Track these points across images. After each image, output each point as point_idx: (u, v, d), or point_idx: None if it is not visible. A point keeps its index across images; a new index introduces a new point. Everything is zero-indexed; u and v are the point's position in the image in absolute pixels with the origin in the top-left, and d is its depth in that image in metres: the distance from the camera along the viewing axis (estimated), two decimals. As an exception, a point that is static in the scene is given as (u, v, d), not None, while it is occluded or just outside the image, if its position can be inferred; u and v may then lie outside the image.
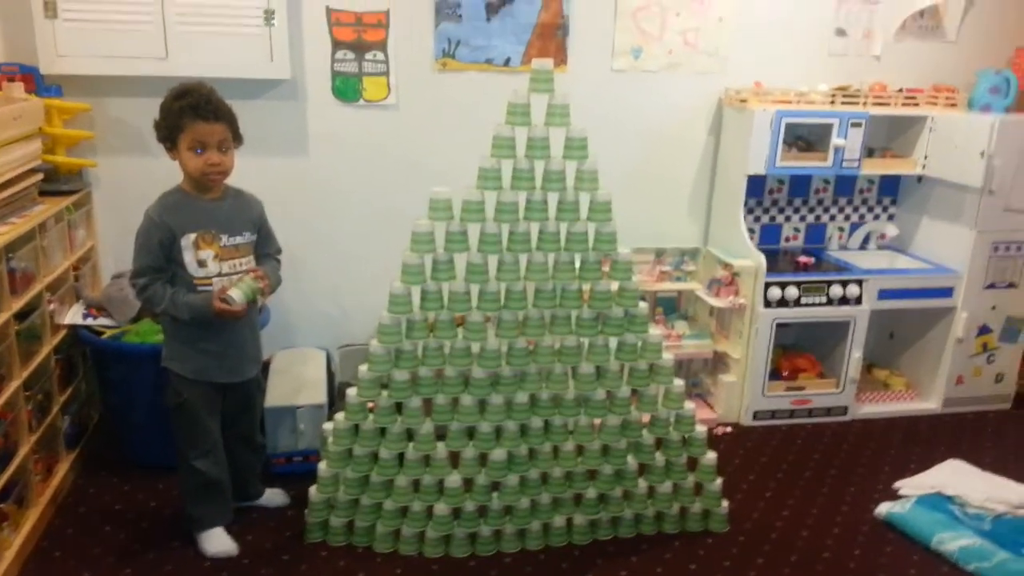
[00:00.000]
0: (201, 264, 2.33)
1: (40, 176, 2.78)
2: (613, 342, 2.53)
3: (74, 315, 2.85)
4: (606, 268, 2.50)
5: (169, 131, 2.27)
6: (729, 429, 3.41)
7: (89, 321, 2.84)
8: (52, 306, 2.71)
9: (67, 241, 2.88)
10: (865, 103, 3.44)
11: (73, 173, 3.05)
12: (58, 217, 2.79)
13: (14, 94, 2.68)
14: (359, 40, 3.20)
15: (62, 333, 2.79)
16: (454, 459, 2.52)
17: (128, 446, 2.93)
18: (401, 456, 2.49)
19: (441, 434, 2.50)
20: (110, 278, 3.11)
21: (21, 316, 2.46)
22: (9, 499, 2.34)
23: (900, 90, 3.55)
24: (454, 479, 2.50)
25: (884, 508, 2.80)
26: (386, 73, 3.26)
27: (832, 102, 3.42)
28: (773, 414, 3.47)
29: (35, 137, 2.74)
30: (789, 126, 3.31)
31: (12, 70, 2.85)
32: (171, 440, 2.46)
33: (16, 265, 2.43)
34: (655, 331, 2.57)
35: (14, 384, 2.37)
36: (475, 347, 2.46)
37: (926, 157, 3.53)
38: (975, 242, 3.42)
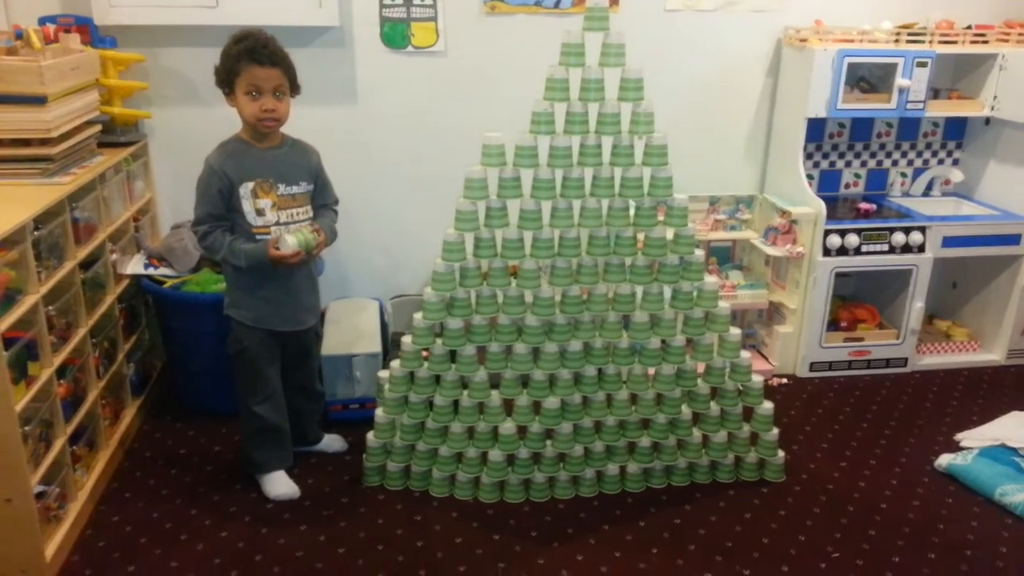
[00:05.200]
0: (259, 213, 2.35)
1: (98, 127, 2.81)
2: (668, 290, 2.50)
3: (136, 265, 2.91)
4: (661, 216, 2.46)
5: (227, 75, 2.28)
6: (785, 380, 3.36)
7: (150, 271, 2.89)
8: (114, 256, 2.77)
9: (126, 192, 2.93)
10: (931, 41, 3.29)
11: (129, 124, 3.08)
12: (117, 168, 2.83)
13: (70, 45, 2.70)
14: (408, -16, 3.16)
15: (125, 283, 2.85)
16: (508, 407, 2.53)
17: (190, 393, 3.01)
18: (456, 403, 2.51)
19: (495, 382, 2.51)
20: (169, 228, 3.16)
21: (85, 266, 2.51)
22: (80, 442, 2.43)
23: (968, 27, 3.39)
24: (508, 426, 2.52)
25: (945, 460, 2.75)
26: (434, 18, 3.21)
27: (896, 41, 3.28)
28: (830, 365, 3.41)
29: (92, 88, 2.77)
30: (851, 66, 3.19)
31: (68, 21, 2.87)
32: (232, 387, 2.52)
33: (79, 215, 2.48)
34: (710, 279, 2.53)
35: (81, 331, 2.43)
36: (528, 295, 2.45)
37: (995, 98, 3.38)
38: (1046, 187, 3.29)
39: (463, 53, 3.28)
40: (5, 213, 2.07)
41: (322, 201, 2.51)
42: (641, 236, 2.46)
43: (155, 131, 3.19)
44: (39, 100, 2.41)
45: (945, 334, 3.64)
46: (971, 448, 2.79)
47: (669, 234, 2.47)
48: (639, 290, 2.49)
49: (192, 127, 3.05)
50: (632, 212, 2.44)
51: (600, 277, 2.46)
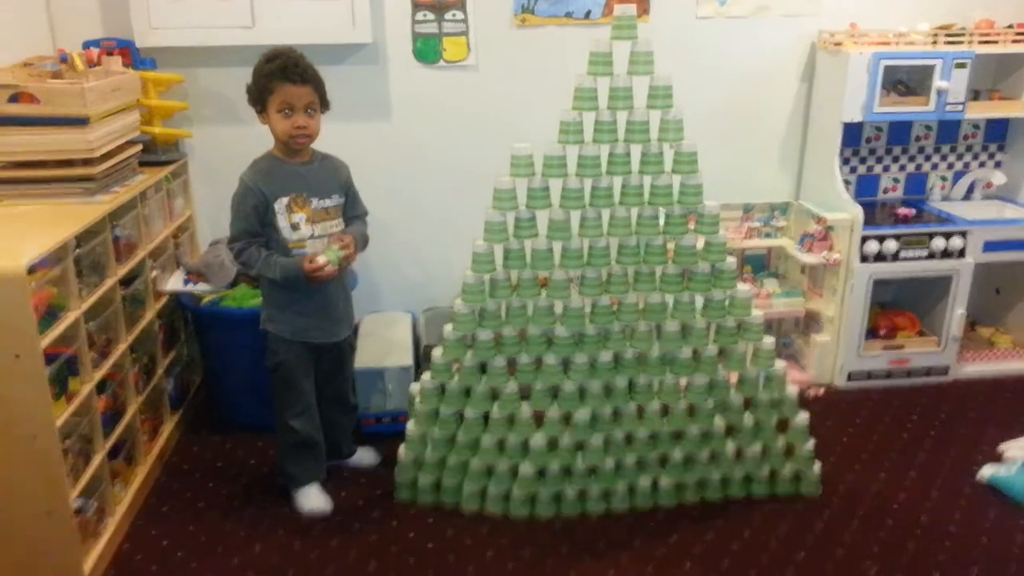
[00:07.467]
0: (294, 228, 2.39)
1: (139, 147, 2.88)
2: (699, 299, 2.48)
3: (175, 282, 2.96)
4: (691, 225, 2.44)
5: (259, 93, 2.32)
6: (822, 391, 3.30)
7: (189, 287, 2.95)
8: (154, 273, 2.83)
9: (166, 210, 2.99)
10: (970, 42, 3.21)
11: (170, 144, 3.15)
12: (157, 187, 2.90)
13: (112, 67, 2.77)
14: (438, 0, 3.18)
15: (164, 299, 2.90)
16: (538, 419, 2.52)
17: (227, 407, 3.05)
18: (486, 416, 2.51)
19: (525, 394, 2.51)
20: (207, 245, 3.22)
21: (125, 283, 2.57)
22: (119, 457, 2.48)
23: (1009, 26, 3.31)
24: (538, 439, 2.51)
25: (987, 471, 2.68)
26: (465, 32, 3.23)
27: (934, 42, 3.21)
28: (869, 375, 3.34)
29: (133, 109, 2.83)
30: (888, 69, 3.13)
31: (110, 45, 2.95)
32: (267, 401, 2.55)
33: (120, 233, 2.54)
34: (743, 287, 2.50)
35: (121, 347, 2.48)
36: (558, 306, 2.44)
37: (1039, 98, 3.30)
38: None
39: (494, 66, 3.30)
40: (48, 232, 2.13)
41: (352, 213, 2.54)
42: (671, 245, 2.45)
43: (195, 150, 3.26)
44: (82, 121, 2.47)
45: (988, 341, 3.54)
46: (1015, 459, 2.71)
47: (700, 242, 2.45)
48: (670, 299, 2.48)
49: (230, 145, 3.09)
50: (662, 221, 2.43)
51: (630, 287, 2.45)
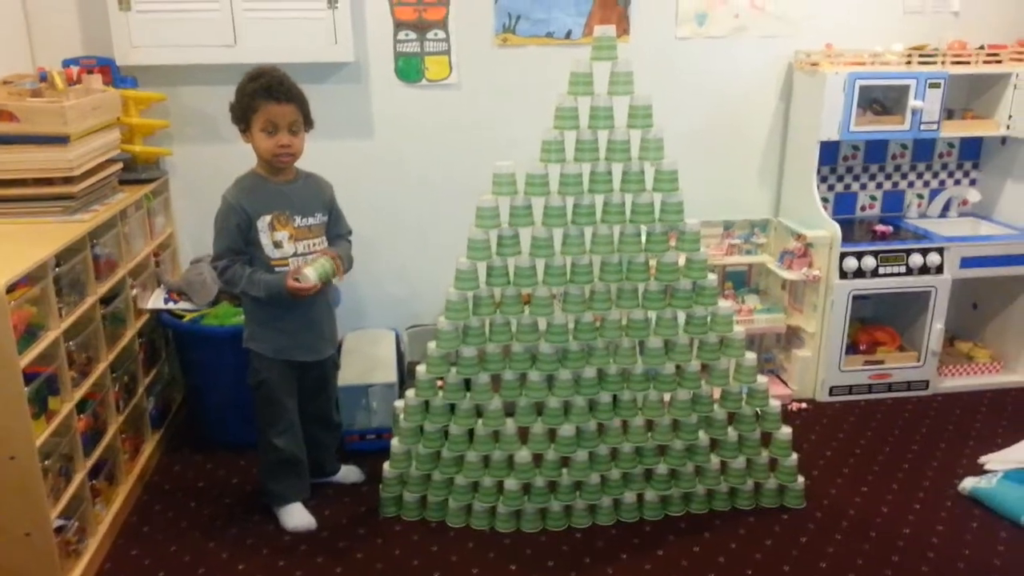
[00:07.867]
0: (277, 245, 2.39)
1: (120, 165, 2.87)
2: (682, 315, 2.50)
3: (156, 300, 2.95)
4: (673, 242, 2.46)
5: (243, 112, 2.32)
6: (804, 405, 3.33)
7: (170, 305, 2.93)
8: (135, 291, 2.81)
9: (147, 228, 2.98)
10: (944, 62, 3.28)
11: (151, 162, 3.15)
12: (138, 205, 2.89)
13: (92, 86, 2.76)
14: (420, 19, 3.21)
15: (145, 317, 2.89)
16: (523, 435, 2.52)
17: (209, 425, 3.02)
18: (471, 432, 2.51)
19: (510, 410, 2.51)
20: (189, 263, 3.20)
21: (106, 301, 2.55)
22: (100, 476, 2.45)
23: (981, 47, 3.38)
24: (523, 455, 2.51)
25: (969, 483, 2.70)
26: (447, 51, 3.26)
27: (908, 62, 3.27)
28: (850, 389, 3.37)
29: (113, 127, 2.83)
30: (863, 89, 3.19)
31: (90, 63, 2.95)
32: (250, 419, 2.54)
33: (100, 251, 2.53)
34: (725, 303, 2.53)
35: (101, 366, 2.46)
36: (542, 322, 2.45)
37: (1010, 117, 3.35)
38: (1065, 205, 3.26)
39: (477, 85, 3.32)
40: (28, 251, 2.12)
41: (336, 232, 2.54)
42: (654, 262, 2.47)
43: (177, 168, 3.25)
44: (62, 140, 2.46)
45: (967, 356, 3.59)
46: (996, 471, 2.74)
47: (682, 259, 2.47)
48: (653, 316, 2.49)
49: (212, 163, 3.10)
50: (644, 238, 2.45)
51: (613, 303, 2.46)
